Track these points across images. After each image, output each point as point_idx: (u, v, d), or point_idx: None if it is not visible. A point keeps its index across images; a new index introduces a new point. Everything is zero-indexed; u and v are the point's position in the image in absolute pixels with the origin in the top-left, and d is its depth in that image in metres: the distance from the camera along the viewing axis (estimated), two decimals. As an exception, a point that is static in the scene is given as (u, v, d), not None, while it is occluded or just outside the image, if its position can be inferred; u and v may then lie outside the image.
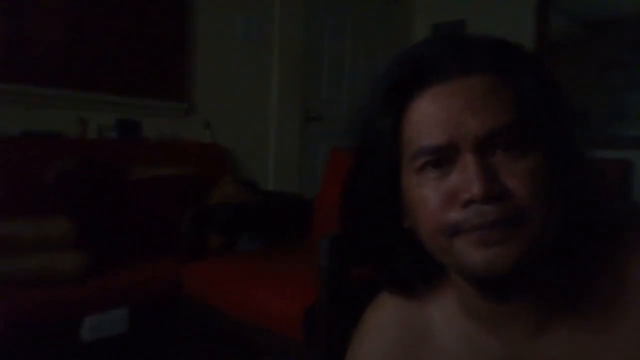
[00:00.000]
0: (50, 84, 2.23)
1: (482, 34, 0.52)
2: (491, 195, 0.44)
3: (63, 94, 2.26)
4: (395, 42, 3.60)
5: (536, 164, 0.46)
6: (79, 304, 1.68)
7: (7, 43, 2.10)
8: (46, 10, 2.19)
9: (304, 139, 3.19)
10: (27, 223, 1.74)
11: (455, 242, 0.46)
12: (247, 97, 2.94)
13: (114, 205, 2.01)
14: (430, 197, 0.48)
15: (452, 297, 0.58)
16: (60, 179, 1.94)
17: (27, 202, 1.93)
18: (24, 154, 2.04)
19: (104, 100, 2.39)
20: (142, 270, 1.88)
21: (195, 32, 2.71)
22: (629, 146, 2.77)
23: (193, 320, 1.85)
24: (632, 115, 2.95)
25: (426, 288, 0.60)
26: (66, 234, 1.76)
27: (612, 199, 2.50)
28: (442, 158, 0.47)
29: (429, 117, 0.48)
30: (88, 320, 1.69)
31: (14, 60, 2.13)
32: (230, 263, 1.83)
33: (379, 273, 0.61)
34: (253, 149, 2.98)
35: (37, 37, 2.18)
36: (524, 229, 0.45)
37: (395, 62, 0.52)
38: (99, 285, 1.74)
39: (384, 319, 0.63)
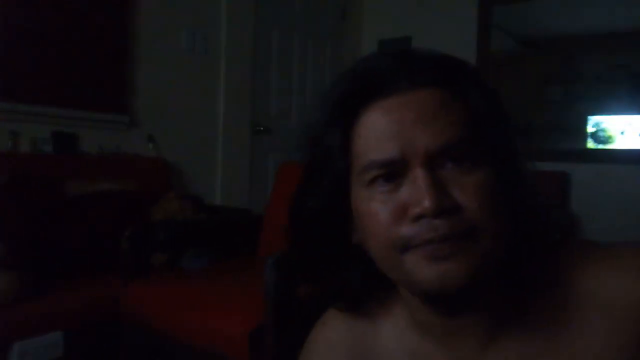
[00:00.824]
0: (-22, 95, 2.09)
1: (430, 49, 0.52)
2: (442, 210, 0.43)
3: (-8, 105, 2.13)
4: (343, 57, 3.63)
5: (486, 177, 0.46)
6: (8, 329, 1.56)
7: None
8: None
9: (252, 153, 3.14)
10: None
11: (405, 257, 0.46)
12: (193, 110, 2.87)
13: (50, 222, 1.89)
14: (380, 212, 0.47)
15: (400, 312, 0.57)
16: (-12, 195, 1.82)
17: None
18: (-53, 169, 1.89)
19: (37, 112, 2.25)
20: (79, 291, 1.77)
21: (139, 43, 2.62)
22: (567, 159, 2.90)
23: (134, 343, 1.76)
24: (569, 129, 3.09)
25: (374, 304, 0.59)
26: (-6, 255, 1.64)
27: (554, 211, 2.60)
28: (392, 172, 0.47)
29: (379, 130, 0.47)
30: (17, 345, 1.57)
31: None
32: (174, 283, 1.75)
33: (326, 290, 0.60)
34: (200, 163, 2.90)
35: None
36: (475, 243, 0.44)
37: (344, 75, 0.51)
38: (31, 308, 1.63)
39: (331, 337, 0.62)
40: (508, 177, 0.48)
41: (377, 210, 0.47)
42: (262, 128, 3.18)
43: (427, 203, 0.43)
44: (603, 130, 2.97)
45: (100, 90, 2.47)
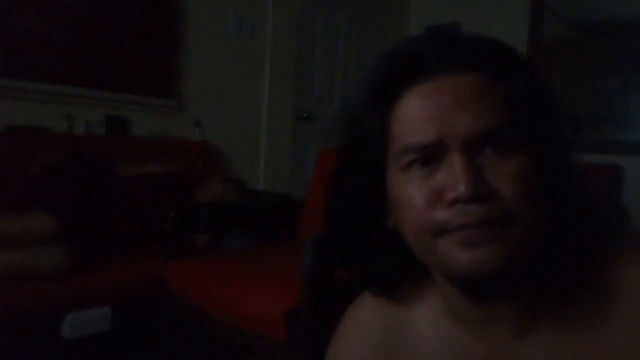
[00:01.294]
0: (37, 79, 2.20)
1: (474, 33, 0.51)
2: (477, 195, 0.43)
3: (50, 89, 2.24)
4: (388, 43, 3.58)
5: (524, 165, 0.45)
6: (61, 301, 1.66)
7: (-6, 36, 2.08)
8: (34, 4, 2.17)
9: (295, 139, 3.17)
10: (10, 218, 1.72)
11: (439, 242, 0.46)
12: (238, 95, 2.92)
13: (100, 201, 1.98)
14: (416, 196, 0.47)
15: (434, 298, 0.57)
16: (44, 173, 1.92)
17: (11, 197, 1.90)
18: (9, 148, 2.01)
19: (92, 95, 2.36)
20: (126, 268, 1.86)
21: (187, 29, 2.68)
22: (620, 151, 2.77)
23: (176, 319, 1.83)
24: (623, 120, 2.95)
25: (409, 289, 0.59)
26: (49, 230, 1.73)
27: (601, 203, 2.50)
28: (429, 156, 0.46)
29: (417, 114, 0.47)
30: (70, 317, 1.67)
31: (1, 54, 2.10)
32: (215, 262, 1.80)
33: (361, 273, 0.60)
34: (243, 148, 2.95)
35: (25, 32, 2.16)
36: (510, 230, 0.44)
37: (384, 58, 0.51)
38: (82, 282, 1.71)
39: (364, 320, 0.62)
40: (549, 165, 0.47)
41: (413, 194, 0.47)
42: (305, 114, 3.20)
43: (462, 188, 0.43)
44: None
45: (151, 75, 2.55)
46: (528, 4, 3.14)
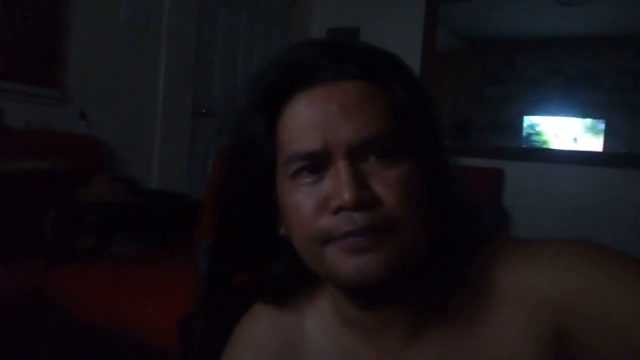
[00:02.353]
0: None
1: (362, 42, 0.52)
2: (361, 203, 0.44)
3: None
4: (290, 42, 3.57)
5: (407, 171, 0.46)
6: None
7: None
8: None
9: (193, 136, 3.05)
10: None
11: (326, 250, 0.46)
12: (130, 87, 2.73)
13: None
14: (303, 203, 0.47)
15: (327, 306, 0.57)
16: None
17: None
18: None
19: (-44, 80, 2.08)
20: (1, 275, 1.65)
21: (74, 13, 2.45)
22: (502, 156, 3.01)
23: (59, 333, 1.67)
24: (505, 127, 3.21)
25: (302, 297, 0.59)
26: None
27: (484, 205, 2.70)
28: (315, 164, 0.47)
29: (303, 121, 0.47)
30: None
31: None
32: (102, 268, 1.68)
33: (254, 281, 0.59)
34: (136, 145, 2.77)
35: None
36: (394, 237, 0.45)
37: (273, 63, 0.51)
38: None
39: (257, 331, 0.61)
40: (431, 171, 0.49)
41: (300, 202, 0.47)
42: (204, 110, 3.09)
43: (347, 196, 0.44)
44: (538, 133, 3.11)
45: (29, 61, 2.30)
46: (423, 16, 3.31)
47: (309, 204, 0.46)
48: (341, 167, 0.45)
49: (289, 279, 0.56)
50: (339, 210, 0.45)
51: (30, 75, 2.31)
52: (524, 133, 3.13)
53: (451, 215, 0.50)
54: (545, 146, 3.09)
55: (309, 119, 0.47)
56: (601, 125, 3.02)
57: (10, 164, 1.96)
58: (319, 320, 0.58)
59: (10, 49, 2.23)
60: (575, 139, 3.05)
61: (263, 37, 3.46)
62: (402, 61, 0.52)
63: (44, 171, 2.03)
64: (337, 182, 0.45)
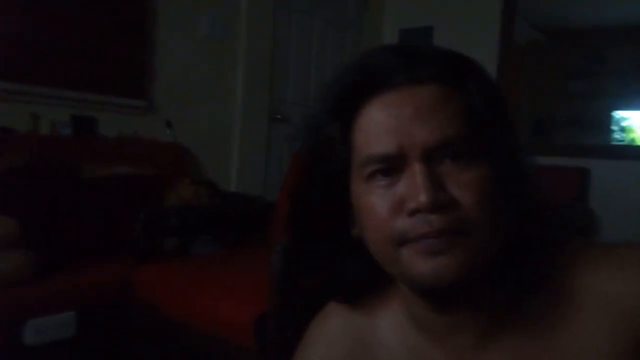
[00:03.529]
0: (1, 77, 2.13)
1: (432, 44, 0.53)
2: (437, 205, 0.44)
3: (14, 88, 2.17)
4: (363, 46, 3.59)
5: (482, 174, 0.46)
6: (22, 306, 1.61)
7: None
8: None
9: (269, 140, 3.15)
10: (-31, 223, 1.66)
11: (402, 251, 0.46)
12: (210, 96, 2.88)
13: (65, 204, 1.93)
14: (378, 205, 0.47)
15: (399, 307, 0.57)
16: (6, 176, 1.86)
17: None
18: (-31, 149, 1.94)
19: (58, 95, 2.30)
20: (92, 272, 1.81)
21: (158, 29, 2.64)
22: (587, 154, 2.83)
23: (143, 325, 1.79)
24: (592, 124, 3.02)
25: (375, 298, 0.60)
26: (12, 233, 1.68)
27: (563, 207, 2.55)
28: (390, 166, 0.47)
29: (378, 125, 0.48)
30: (31, 323, 1.62)
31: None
32: (184, 267, 1.77)
33: (326, 282, 0.60)
34: (216, 150, 2.92)
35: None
36: (470, 239, 0.45)
37: (347, 69, 0.52)
38: (45, 287, 1.66)
39: (330, 330, 0.62)
40: (507, 174, 0.48)
41: (375, 204, 0.48)
42: (279, 116, 3.18)
43: (423, 197, 0.44)
44: (627, 129, 2.89)
45: (120, 74, 2.50)
46: (500, 9, 3.19)
47: (384, 206, 0.47)
48: (417, 170, 0.45)
49: (362, 280, 0.57)
50: (415, 212, 0.45)
51: (121, 87, 2.50)
52: (612, 129, 2.92)
53: (525, 218, 0.49)
54: (634, 143, 2.87)
55: (384, 123, 0.47)
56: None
57: (103, 170, 2.14)
58: (390, 321, 0.58)
59: (103, 64, 2.43)
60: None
61: (336, 42, 3.50)
62: (476, 63, 0.52)
63: (133, 176, 2.19)
64: (413, 185, 0.45)
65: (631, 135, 2.87)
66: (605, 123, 2.94)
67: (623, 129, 2.89)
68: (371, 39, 3.65)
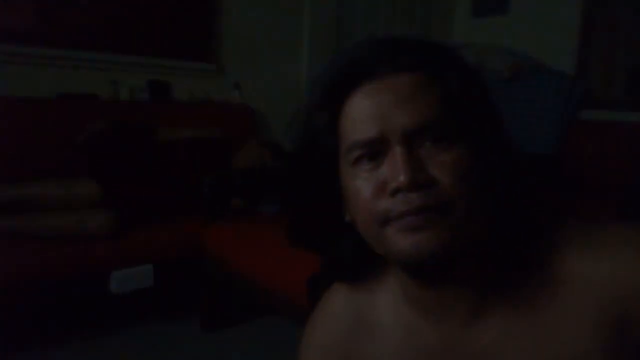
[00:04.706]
0: (83, 47, 2.30)
1: (414, 37, 0.55)
2: (416, 183, 0.46)
3: (96, 57, 2.33)
4: (431, 24, 3.42)
5: (461, 155, 0.48)
6: (107, 260, 1.79)
7: (41, 8, 2.17)
8: (77, -27, 2.24)
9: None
10: (58, 183, 1.85)
11: (385, 230, 0.49)
12: (277, 58, 2.92)
13: (142, 166, 2.08)
14: (363, 188, 0.50)
15: (394, 284, 0.60)
16: (91, 140, 2.03)
17: (60, 163, 2.04)
18: (59, 115, 2.14)
19: (134, 62, 2.44)
20: (167, 229, 1.97)
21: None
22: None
23: (211, 277, 1.94)
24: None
25: (373, 277, 0.63)
26: (94, 194, 1.86)
27: (539, 189, 2.35)
28: (374, 151, 0.50)
29: (362, 112, 0.51)
30: (115, 274, 1.80)
31: (49, 24, 2.20)
32: (247, 227, 1.88)
33: (327, 264, 0.64)
34: (283, 112, 2.96)
35: (70, 2, 2.24)
36: (449, 217, 0.47)
37: (333, 63, 0.55)
38: (125, 243, 1.84)
39: (333, 308, 0.66)
40: (486, 155, 0.50)
41: (361, 187, 0.51)
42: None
43: (402, 177, 0.46)
44: None
45: (190, 39, 2.60)
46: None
47: (369, 189, 0.50)
48: (397, 152, 0.48)
49: (356, 260, 0.60)
50: (395, 192, 0.47)
51: (191, 52, 2.61)
52: None
53: (506, 198, 0.51)
54: None
55: (367, 110, 0.50)
56: None
57: (177, 133, 2.27)
58: (387, 298, 0.61)
59: (173, 30, 2.54)
60: None
61: (404, 13, 3.35)
62: (456, 53, 0.54)
63: (204, 139, 2.30)
64: (394, 166, 0.48)
65: None
66: None
67: None
68: (442, 16, 3.46)
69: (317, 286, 1.43)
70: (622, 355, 0.47)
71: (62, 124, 2.11)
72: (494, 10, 3.27)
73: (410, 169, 0.46)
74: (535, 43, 2.93)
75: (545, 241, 0.52)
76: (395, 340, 0.59)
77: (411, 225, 0.47)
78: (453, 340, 0.54)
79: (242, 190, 2.04)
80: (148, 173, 2.07)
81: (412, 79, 0.50)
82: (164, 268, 1.90)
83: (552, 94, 2.67)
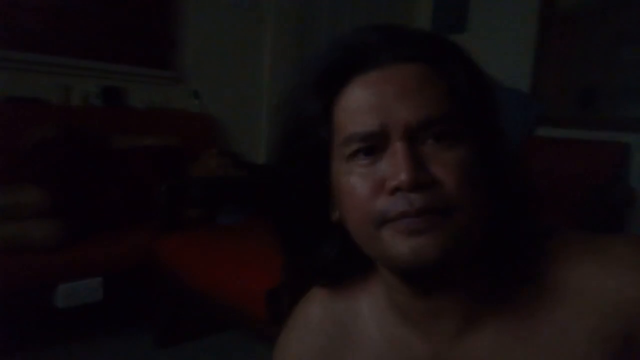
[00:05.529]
0: (33, 50, 2.20)
1: (418, 27, 0.52)
2: (418, 183, 0.43)
3: (47, 60, 2.23)
4: (396, 20, 3.47)
5: (465, 155, 0.45)
6: (53, 272, 1.70)
7: (-12, 6, 2.07)
8: (29, -27, 2.14)
9: (299, 111, 3.12)
10: (2, 191, 1.74)
11: (382, 232, 0.45)
12: (238, 66, 2.88)
13: (93, 174, 1.99)
14: (359, 185, 0.46)
15: (380, 291, 0.56)
16: (38, 147, 1.93)
17: (5, 170, 1.92)
18: (6, 120, 2.02)
19: (88, 66, 2.35)
20: (118, 240, 1.88)
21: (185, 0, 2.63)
22: (629, 128, 2.67)
23: (165, 291, 1.86)
24: (637, 93, 2.82)
25: (356, 282, 0.59)
26: (40, 203, 1.76)
27: (609, 182, 2.42)
28: (372, 145, 0.46)
29: (361, 103, 0.47)
30: (62, 288, 1.70)
31: (-3, 24, 2.10)
32: (204, 237, 1.82)
33: (307, 267, 0.59)
34: (245, 121, 2.93)
35: (23, 3, 2.15)
36: (451, 219, 0.44)
37: (329, 48, 0.51)
38: (74, 254, 1.75)
39: (311, 313, 0.62)
40: (490, 156, 0.48)
41: (356, 183, 0.47)
42: (309, 86, 3.14)
43: (403, 176, 0.43)
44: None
45: (148, 46, 2.53)
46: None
47: (365, 186, 0.46)
48: (398, 148, 0.44)
49: (342, 263, 0.56)
50: (395, 191, 0.44)
51: (149, 59, 2.53)
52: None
53: (508, 204, 0.49)
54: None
55: (367, 101, 0.46)
56: None
57: (132, 141, 2.19)
58: (371, 305, 0.57)
59: (131, 36, 2.46)
60: None
61: (369, 12, 3.39)
62: (461, 47, 0.50)
63: (161, 147, 2.23)
64: (394, 163, 0.44)
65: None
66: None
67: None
68: (406, 12, 3.52)
69: (277, 299, 1.40)
70: None
71: (9, 129, 2.00)
72: (452, 27, 3.34)
73: (413, 167, 0.43)
74: (493, 61, 3.00)
75: (540, 249, 0.49)
76: (379, 351, 0.55)
77: (411, 228, 0.43)
78: (440, 353, 0.51)
79: (199, 200, 1.98)
80: (99, 181, 1.98)
81: (417, 69, 0.46)
82: (114, 281, 1.81)
83: (512, 111, 2.73)
